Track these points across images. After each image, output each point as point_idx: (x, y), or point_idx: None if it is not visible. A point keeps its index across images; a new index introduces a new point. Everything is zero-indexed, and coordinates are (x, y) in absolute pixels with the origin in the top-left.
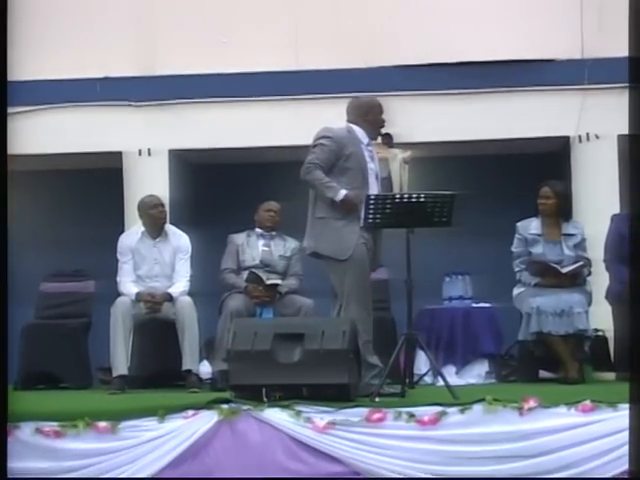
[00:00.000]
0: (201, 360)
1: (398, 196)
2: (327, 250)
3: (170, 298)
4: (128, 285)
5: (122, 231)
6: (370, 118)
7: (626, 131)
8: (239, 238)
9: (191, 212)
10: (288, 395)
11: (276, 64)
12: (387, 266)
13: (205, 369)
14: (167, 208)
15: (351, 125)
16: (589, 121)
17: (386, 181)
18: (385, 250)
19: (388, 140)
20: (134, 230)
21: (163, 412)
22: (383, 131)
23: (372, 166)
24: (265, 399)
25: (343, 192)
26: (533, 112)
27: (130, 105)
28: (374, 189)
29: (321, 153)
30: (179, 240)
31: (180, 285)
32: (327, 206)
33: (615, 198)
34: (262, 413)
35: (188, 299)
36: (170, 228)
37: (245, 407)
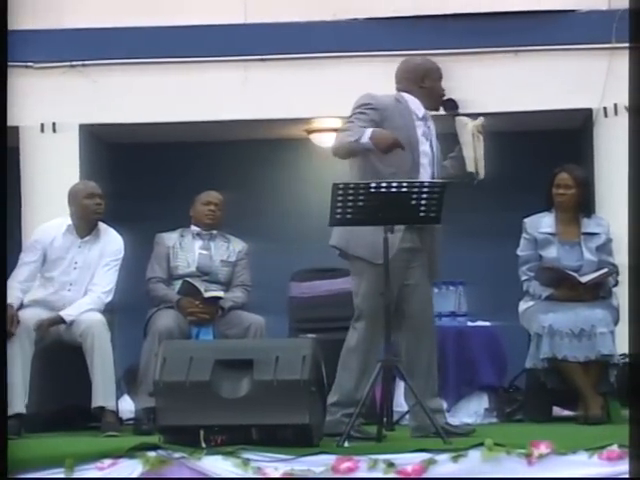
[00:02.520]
0: (120, 395)
1: (374, 185)
2: (359, 250)
3: (61, 321)
4: (14, 293)
5: (18, 227)
6: (427, 85)
7: None
8: (170, 238)
9: (108, 204)
10: (233, 439)
11: (218, 16)
12: None
13: (126, 406)
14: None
15: (402, 94)
16: (617, 90)
17: (454, 161)
18: None
19: (452, 107)
20: (56, 223)
21: (71, 462)
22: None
23: (426, 148)
24: (203, 444)
25: (369, 131)
26: (547, 78)
27: (29, 67)
28: (426, 175)
29: (358, 123)
30: (110, 242)
31: (89, 299)
32: None
33: None
34: (199, 462)
35: (98, 317)
36: (104, 227)
37: (177, 454)
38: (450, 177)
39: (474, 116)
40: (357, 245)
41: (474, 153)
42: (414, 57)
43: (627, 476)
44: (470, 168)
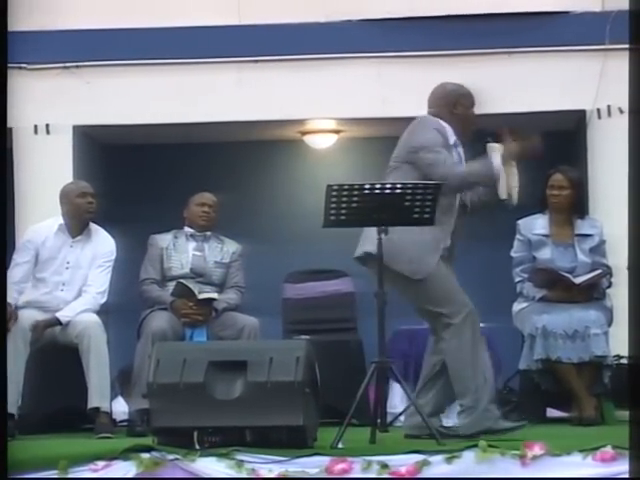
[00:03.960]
0: (114, 396)
1: (368, 186)
2: (396, 264)
3: (58, 323)
4: (10, 294)
5: (12, 229)
6: (459, 111)
7: None
8: (164, 240)
9: (102, 206)
10: (227, 440)
11: (212, 17)
12: (353, 275)
13: (120, 408)
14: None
15: (439, 121)
16: (611, 91)
17: (487, 189)
18: (350, 255)
19: (482, 139)
20: (48, 223)
21: (65, 464)
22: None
23: None
24: (197, 446)
25: (493, 157)
26: (540, 80)
27: (23, 68)
28: (455, 210)
29: (440, 147)
30: (103, 243)
31: (85, 300)
32: None
33: None
34: (193, 464)
35: (94, 318)
36: (95, 227)
37: (171, 456)
38: (482, 204)
39: (506, 142)
40: (396, 259)
41: (507, 179)
42: (448, 82)
43: (623, 476)
44: (503, 195)
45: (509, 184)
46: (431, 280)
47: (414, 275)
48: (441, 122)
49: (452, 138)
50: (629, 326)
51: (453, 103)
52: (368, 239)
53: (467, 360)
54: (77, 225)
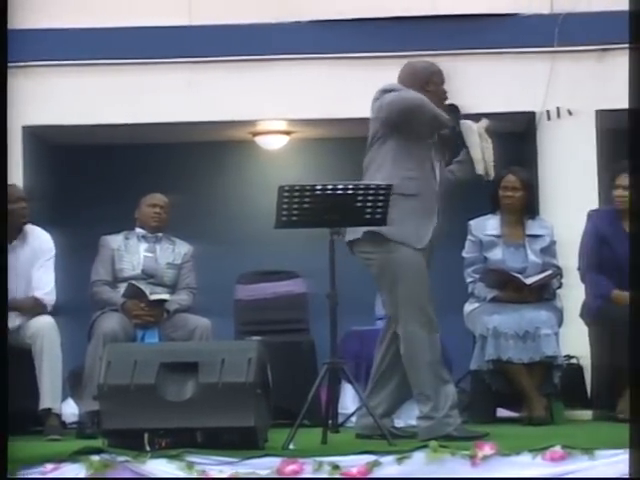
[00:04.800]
0: (64, 398)
1: (319, 187)
2: (399, 234)
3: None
4: None
5: None
6: (431, 89)
7: (606, 105)
8: (115, 241)
9: (52, 207)
10: (177, 442)
11: (162, 18)
12: (305, 276)
13: (70, 410)
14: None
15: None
16: (560, 93)
17: (461, 165)
18: (303, 256)
19: (454, 112)
20: None
21: (14, 466)
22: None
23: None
24: (148, 447)
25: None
26: (488, 82)
27: None
28: (437, 182)
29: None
30: (39, 241)
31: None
32: (402, 176)
33: (592, 190)
34: (143, 465)
35: (48, 319)
36: (30, 228)
37: (121, 458)
38: (457, 181)
39: (478, 118)
40: (394, 228)
41: (482, 155)
42: (417, 60)
43: (623, 476)
44: (480, 171)
45: (485, 159)
46: (426, 256)
47: (416, 244)
48: None
49: None
50: (629, 326)
51: (425, 80)
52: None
53: (426, 363)
54: (11, 231)
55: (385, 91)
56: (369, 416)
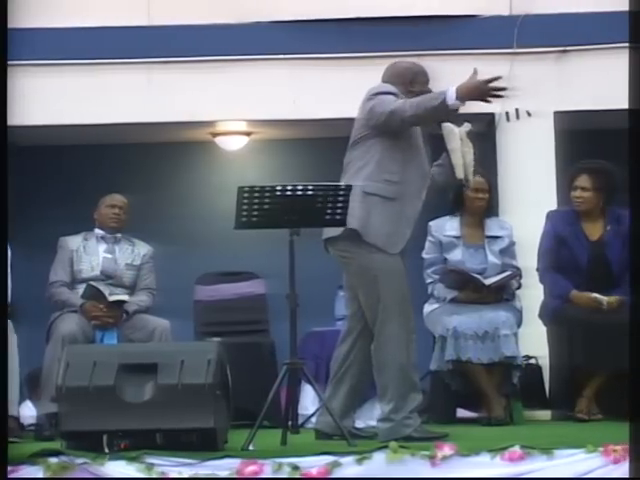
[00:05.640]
0: (22, 400)
1: (279, 188)
2: (374, 237)
3: None
4: None
5: None
6: (416, 89)
7: (565, 107)
8: (73, 242)
9: (9, 207)
10: (137, 444)
11: (120, 17)
12: (265, 277)
13: (27, 412)
14: None
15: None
16: (519, 94)
17: (441, 168)
18: (262, 257)
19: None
20: None
21: None
22: None
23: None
24: (107, 449)
25: (451, 89)
26: (448, 83)
27: None
28: (426, 182)
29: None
30: None
31: None
32: (384, 178)
33: (551, 191)
34: (102, 467)
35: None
36: None
37: (80, 460)
38: (437, 185)
39: (460, 122)
40: (372, 231)
41: (463, 160)
42: (401, 60)
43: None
44: (460, 175)
45: (465, 164)
46: (402, 260)
47: (390, 248)
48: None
49: None
50: (630, 326)
51: (409, 81)
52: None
53: (395, 365)
54: None
55: (375, 94)
56: (391, 421)
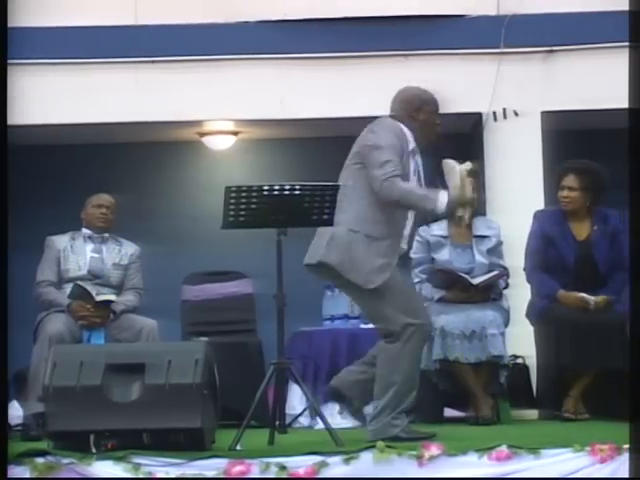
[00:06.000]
0: (9, 400)
1: (266, 187)
2: (349, 272)
3: None
4: None
5: None
6: (422, 118)
7: (552, 107)
8: (61, 241)
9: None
10: (124, 444)
11: (108, 17)
12: (252, 277)
13: (14, 412)
14: None
15: (400, 125)
16: (506, 94)
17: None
18: (249, 257)
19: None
20: None
21: None
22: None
23: (414, 184)
24: (94, 449)
25: (443, 195)
26: (436, 83)
27: None
28: (410, 223)
29: (394, 154)
30: None
31: None
32: (373, 218)
33: (539, 191)
34: (89, 467)
35: None
36: None
37: (67, 460)
38: (431, 217)
39: (461, 160)
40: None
41: (462, 197)
42: (412, 87)
43: (623, 476)
44: (459, 213)
45: (465, 201)
46: (383, 292)
47: (367, 285)
48: (402, 127)
49: (411, 144)
50: (631, 330)
51: (416, 108)
52: (322, 246)
53: (396, 374)
54: None
55: (375, 126)
56: (382, 417)
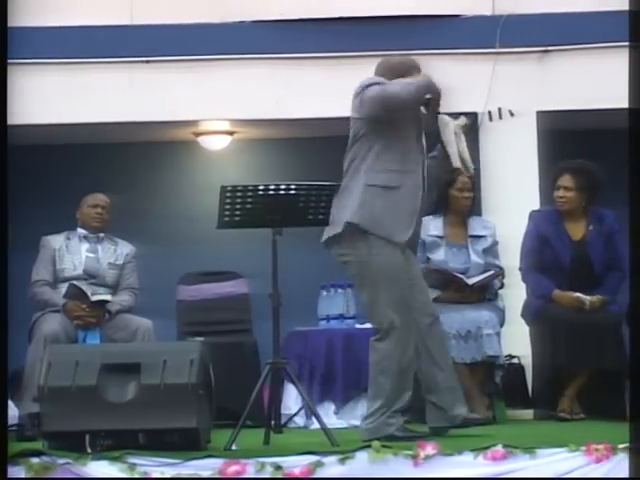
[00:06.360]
0: None
1: (262, 187)
2: (376, 227)
3: None
4: None
5: None
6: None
7: (547, 106)
8: (56, 241)
9: None
10: (119, 444)
11: (103, 17)
12: (248, 277)
13: (10, 412)
14: None
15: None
16: (501, 94)
17: (435, 161)
18: (244, 256)
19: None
20: None
21: None
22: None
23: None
24: (89, 449)
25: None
26: None
27: None
28: (424, 177)
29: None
30: None
31: None
32: (385, 168)
33: (534, 191)
34: (84, 467)
35: None
36: None
37: (62, 460)
38: (431, 177)
39: (456, 115)
40: (377, 221)
41: (457, 149)
42: (392, 56)
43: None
44: (456, 164)
45: (460, 152)
46: (409, 250)
47: (392, 237)
48: None
49: None
50: (630, 327)
51: (403, 74)
52: (353, 206)
53: (386, 375)
54: None
55: (366, 86)
56: (375, 420)
